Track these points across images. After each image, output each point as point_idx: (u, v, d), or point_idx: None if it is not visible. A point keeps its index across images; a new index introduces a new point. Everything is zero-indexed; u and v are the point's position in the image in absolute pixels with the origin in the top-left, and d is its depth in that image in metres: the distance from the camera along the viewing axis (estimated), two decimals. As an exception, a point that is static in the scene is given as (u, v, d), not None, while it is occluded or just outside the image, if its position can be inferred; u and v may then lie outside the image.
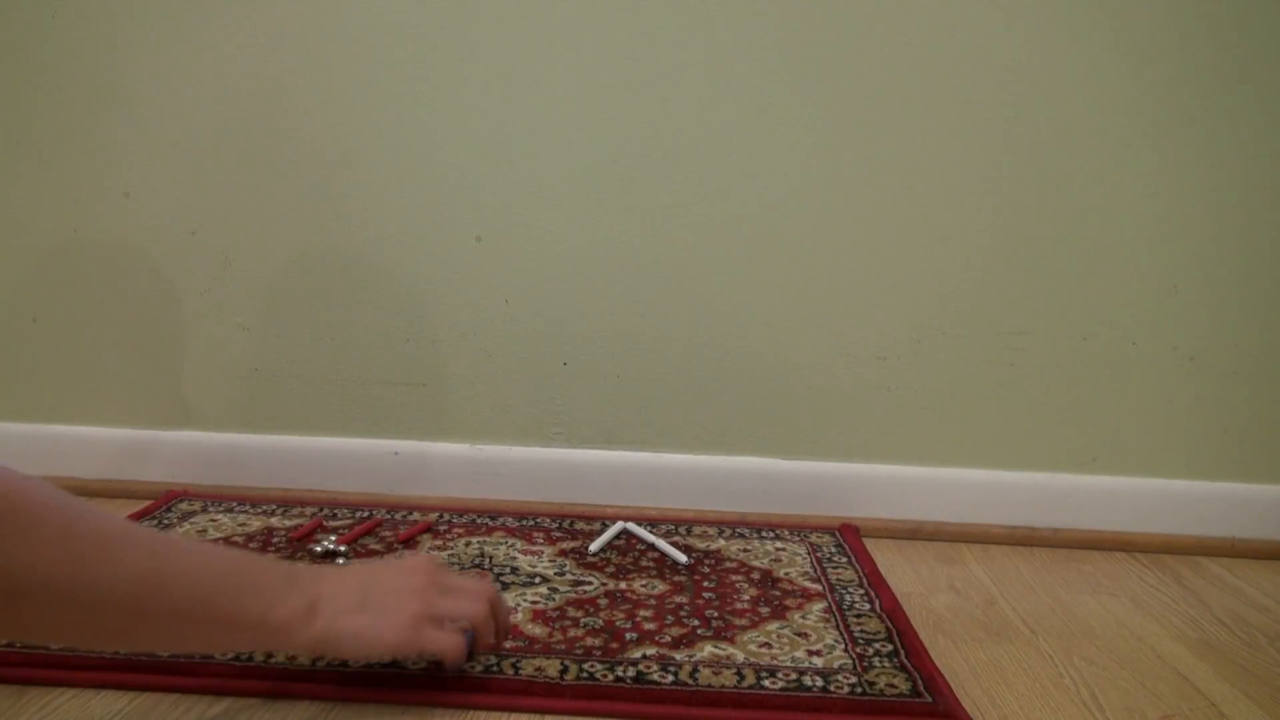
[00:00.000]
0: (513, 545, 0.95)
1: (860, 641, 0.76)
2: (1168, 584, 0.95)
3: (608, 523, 1.01)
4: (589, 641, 0.74)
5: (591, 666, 0.70)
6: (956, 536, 1.05)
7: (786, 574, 0.90)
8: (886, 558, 0.98)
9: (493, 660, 0.70)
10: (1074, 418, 1.05)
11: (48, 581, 0.49)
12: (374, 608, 0.61)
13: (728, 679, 0.69)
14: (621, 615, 0.79)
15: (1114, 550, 1.04)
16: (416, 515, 1.04)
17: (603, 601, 0.82)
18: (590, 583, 0.86)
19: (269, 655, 0.70)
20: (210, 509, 1.04)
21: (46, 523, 0.49)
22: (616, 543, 0.97)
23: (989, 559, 1.00)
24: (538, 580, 0.87)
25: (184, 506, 1.04)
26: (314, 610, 0.59)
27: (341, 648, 0.60)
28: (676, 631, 0.76)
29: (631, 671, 0.69)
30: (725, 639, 0.75)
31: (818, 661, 0.72)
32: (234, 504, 1.06)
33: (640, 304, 1.08)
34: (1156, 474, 1.05)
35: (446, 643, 0.63)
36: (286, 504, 1.06)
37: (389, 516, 1.03)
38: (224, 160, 1.09)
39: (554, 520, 1.03)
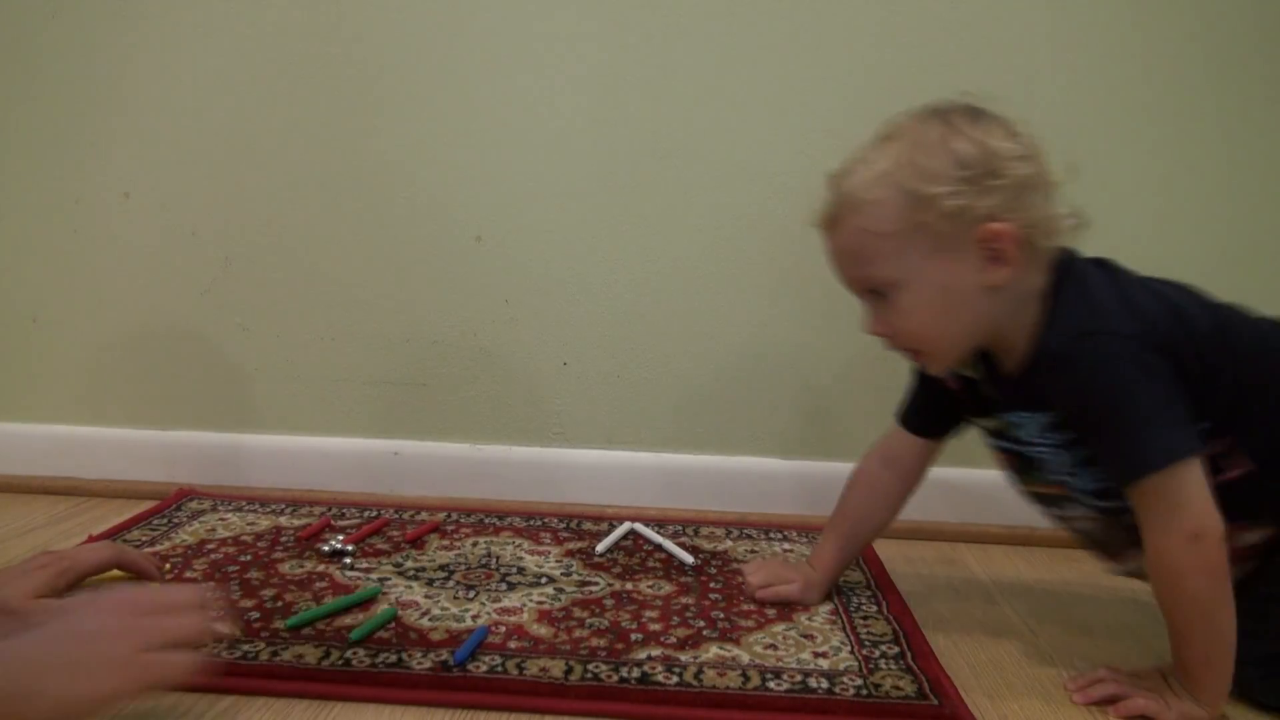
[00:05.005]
0: (520, 545, 0.96)
1: (867, 644, 0.76)
2: (1166, 583, 0.95)
3: (615, 523, 1.01)
4: (594, 642, 0.74)
5: (596, 667, 0.70)
6: (956, 536, 1.05)
7: (791, 574, 0.90)
8: (887, 557, 0.98)
9: (497, 660, 0.71)
10: (1073, 418, 1.06)
11: None
12: (81, 664, 0.54)
13: (733, 680, 0.69)
14: (627, 616, 0.79)
15: (1112, 549, 1.05)
16: (424, 515, 1.04)
17: (609, 602, 0.82)
18: (597, 583, 0.87)
19: (275, 653, 0.70)
20: (220, 508, 1.04)
21: None
22: (624, 543, 0.97)
23: (989, 559, 1.00)
24: (544, 580, 0.87)
25: (194, 505, 1.04)
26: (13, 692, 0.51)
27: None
28: (682, 633, 0.77)
29: (636, 672, 0.70)
30: (731, 640, 0.76)
31: (823, 663, 0.72)
32: (243, 503, 1.06)
33: (640, 304, 1.08)
34: (1155, 474, 1.06)
35: (174, 664, 0.57)
36: (295, 503, 1.06)
37: (396, 516, 1.03)
38: (224, 160, 1.09)
39: (561, 520, 1.03)
